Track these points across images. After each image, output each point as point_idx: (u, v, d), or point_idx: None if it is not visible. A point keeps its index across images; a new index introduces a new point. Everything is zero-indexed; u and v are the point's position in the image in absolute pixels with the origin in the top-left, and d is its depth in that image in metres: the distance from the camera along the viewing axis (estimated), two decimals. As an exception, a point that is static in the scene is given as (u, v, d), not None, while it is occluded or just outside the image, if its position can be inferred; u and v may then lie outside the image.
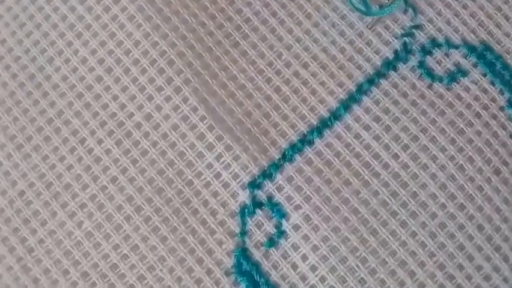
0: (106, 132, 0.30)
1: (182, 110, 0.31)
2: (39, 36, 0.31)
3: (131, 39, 0.31)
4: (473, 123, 0.30)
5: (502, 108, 0.30)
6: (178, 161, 0.30)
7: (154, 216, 0.29)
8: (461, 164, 0.29)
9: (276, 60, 0.31)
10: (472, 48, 0.31)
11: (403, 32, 0.31)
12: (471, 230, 0.28)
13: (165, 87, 0.31)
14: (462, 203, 0.28)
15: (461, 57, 0.31)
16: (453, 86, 0.31)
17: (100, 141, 0.30)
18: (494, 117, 0.30)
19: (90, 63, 0.31)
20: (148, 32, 0.31)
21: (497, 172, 0.29)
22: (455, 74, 0.31)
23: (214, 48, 0.31)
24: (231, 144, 0.30)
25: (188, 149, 0.30)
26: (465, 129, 0.30)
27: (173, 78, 0.31)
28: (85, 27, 0.31)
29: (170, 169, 0.30)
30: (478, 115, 0.30)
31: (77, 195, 0.29)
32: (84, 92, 0.31)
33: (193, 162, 0.30)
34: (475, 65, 0.31)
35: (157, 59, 0.31)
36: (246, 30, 0.31)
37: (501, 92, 0.31)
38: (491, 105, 0.30)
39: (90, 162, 0.30)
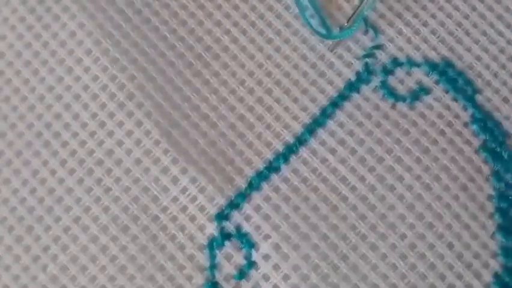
0: (66, 171, 0.27)
1: (145, 144, 0.28)
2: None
3: (89, 74, 0.28)
4: (437, 141, 0.28)
5: (466, 124, 0.28)
6: (143, 196, 0.27)
7: (120, 254, 0.26)
8: (428, 183, 0.27)
9: (239, 87, 0.28)
10: (433, 66, 0.29)
11: (364, 52, 0.29)
12: (441, 249, 0.26)
13: (125, 121, 0.28)
14: (431, 222, 0.26)
15: (423, 75, 0.29)
16: (416, 105, 0.28)
17: (60, 181, 0.27)
18: (459, 133, 0.28)
19: (48, 100, 0.28)
20: (106, 66, 0.28)
21: (464, 188, 0.27)
22: (418, 92, 0.29)
23: (175, 79, 0.28)
24: (196, 176, 0.27)
25: (153, 184, 0.27)
26: (430, 147, 0.28)
27: (134, 111, 0.28)
28: (41, 63, 0.28)
29: (135, 205, 0.27)
30: (442, 132, 0.28)
31: (40, 237, 0.26)
32: (43, 130, 0.27)
33: (158, 197, 0.27)
34: (437, 82, 0.29)
35: (116, 93, 0.28)
36: (208, 59, 0.29)
37: (464, 108, 0.28)
38: (455, 121, 0.28)
39: (52, 203, 0.27)
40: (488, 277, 0.26)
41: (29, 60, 0.28)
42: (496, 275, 0.26)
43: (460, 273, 0.26)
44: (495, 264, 0.26)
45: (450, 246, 0.26)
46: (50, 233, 0.26)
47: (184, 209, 0.27)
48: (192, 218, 0.27)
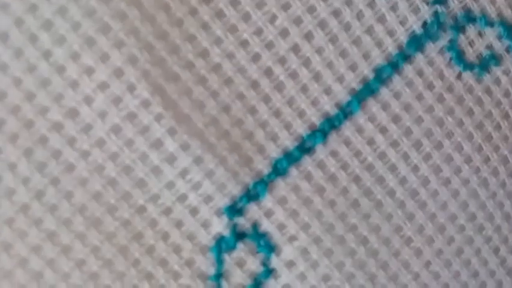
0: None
1: (127, 104, 0.15)
2: None
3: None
4: (501, 127, 0.18)
5: None
6: (123, 178, 0.15)
7: (91, 258, 0.15)
8: (485, 177, 0.18)
9: (266, 25, 0.15)
10: (507, 28, 0.18)
11: None
12: (487, 254, 0.18)
13: (97, 68, 0.15)
14: (481, 224, 0.18)
15: (495, 38, 0.18)
16: (484, 77, 0.18)
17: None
18: None
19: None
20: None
21: None
22: (488, 61, 0.18)
23: (173, 5, 0.14)
24: (201, 153, 0.15)
25: (139, 161, 0.15)
26: (493, 133, 0.18)
27: (110, 54, 0.15)
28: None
29: (111, 190, 0.15)
30: (506, 116, 0.18)
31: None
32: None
33: (146, 180, 0.14)
34: (507, 50, 0.18)
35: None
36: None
37: None
38: None
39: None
40: None
41: None
42: None
43: (500, 280, 0.18)
44: None
45: (496, 251, 0.17)
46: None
47: (182, 198, 0.15)
48: (193, 211, 0.15)
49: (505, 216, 0.17)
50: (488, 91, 0.17)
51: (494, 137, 0.17)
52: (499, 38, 0.17)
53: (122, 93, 0.14)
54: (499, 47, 0.18)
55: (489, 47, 0.17)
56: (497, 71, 0.18)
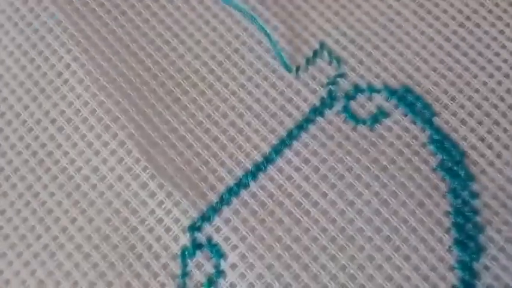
0: (57, 185, 0.23)
1: (126, 162, 0.23)
2: None
3: (80, 100, 0.24)
4: (395, 160, 0.22)
5: (424, 145, 0.22)
6: (124, 209, 0.22)
7: (101, 262, 0.21)
8: (386, 199, 0.21)
9: (213, 112, 0.23)
10: (392, 91, 0.23)
11: (328, 80, 0.23)
12: (398, 261, 0.20)
13: (110, 142, 0.23)
14: (388, 235, 0.21)
15: (383, 100, 0.23)
16: (376, 127, 0.23)
17: (51, 194, 0.22)
18: (416, 153, 0.22)
19: (44, 124, 0.23)
20: (95, 92, 0.24)
21: (421, 204, 0.21)
22: (378, 116, 0.23)
23: (156, 104, 0.23)
24: (172, 190, 0.22)
25: (133, 198, 0.22)
26: (388, 166, 0.22)
27: (118, 133, 0.23)
28: (39, 90, 0.24)
29: (116, 217, 0.22)
30: (400, 152, 0.22)
31: (31, 245, 0.22)
32: (38, 149, 0.23)
33: (137, 209, 0.22)
34: (396, 106, 0.23)
35: (103, 117, 0.23)
36: (186, 87, 0.24)
37: (423, 130, 0.22)
38: (413, 142, 0.22)
39: (43, 214, 0.22)
40: None
41: (30, 88, 0.24)
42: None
43: (417, 285, 0.20)
44: (452, 277, 0.20)
45: (407, 258, 0.20)
46: (40, 241, 0.21)
47: (160, 221, 0.22)
48: (167, 230, 0.21)
49: (411, 230, 0.21)
50: (381, 136, 0.22)
51: (389, 168, 0.22)
52: (386, 99, 0.23)
53: (124, 156, 0.22)
54: (387, 106, 0.23)
55: (378, 106, 0.23)
56: (387, 122, 0.23)
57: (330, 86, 0.23)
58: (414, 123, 0.22)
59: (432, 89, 0.23)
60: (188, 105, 0.23)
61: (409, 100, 0.23)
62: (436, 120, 0.22)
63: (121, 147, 0.22)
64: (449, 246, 0.20)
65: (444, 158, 0.22)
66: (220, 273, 0.21)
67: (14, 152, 0.23)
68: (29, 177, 0.22)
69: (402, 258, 0.20)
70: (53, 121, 0.23)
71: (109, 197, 0.22)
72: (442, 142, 0.22)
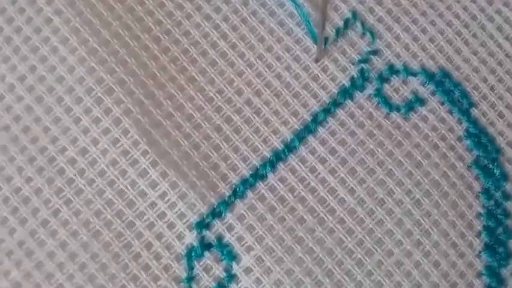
0: (35, 169, 0.18)
1: (122, 144, 0.19)
2: None
3: (65, 65, 0.19)
4: (430, 155, 0.20)
5: (459, 139, 0.20)
6: (118, 200, 0.19)
7: (90, 262, 0.18)
8: (418, 199, 0.19)
9: (226, 87, 0.20)
10: (430, 75, 0.21)
11: (360, 57, 0.20)
12: (427, 267, 0.19)
13: (103, 119, 0.19)
14: (418, 239, 0.19)
15: (419, 85, 0.21)
16: (411, 116, 0.20)
17: (28, 180, 0.18)
18: (452, 148, 0.20)
19: (18, 91, 0.19)
20: (84, 57, 0.19)
21: (454, 206, 0.19)
22: (413, 103, 0.21)
23: (158, 75, 0.19)
24: (177, 180, 0.19)
25: (129, 187, 0.19)
26: (422, 161, 0.20)
27: (112, 108, 0.19)
28: (13, 50, 0.19)
29: (108, 210, 0.19)
30: (435, 146, 0.20)
31: (3, 240, 0.18)
32: (11, 123, 0.18)
33: (134, 201, 0.19)
34: (433, 93, 0.21)
35: (94, 87, 0.19)
36: (194, 55, 0.20)
37: (459, 122, 0.20)
38: (449, 135, 0.20)
39: (17, 204, 0.18)
40: None
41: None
42: None
43: None
44: (479, 285, 0.18)
45: (436, 264, 0.19)
46: (14, 236, 0.18)
47: (162, 215, 0.18)
48: (170, 226, 0.18)
49: (442, 234, 0.19)
50: (415, 127, 0.20)
51: (424, 164, 0.20)
52: (423, 84, 0.20)
53: (119, 136, 0.19)
54: (423, 91, 0.20)
55: (414, 92, 0.20)
56: (423, 110, 0.20)
57: (362, 64, 0.20)
58: (451, 113, 0.20)
59: (471, 76, 0.21)
60: (196, 77, 0.19)
61: (447, 87, 0.21)
62: (474, 111, 0.20)
63: (116, 126, 0.19)
64: (479, 252, 0.19)
65: (480, 154, 0.20)
66: (231, 277, 0.18)
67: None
68: (-1, 157, 0.17)
69: (432, 265, 0.19)
70: (29, 88, 0.19)
71: (100, 185, 0.18)
72: (479, 137, 0.20)
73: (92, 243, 0.18)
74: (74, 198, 0.18)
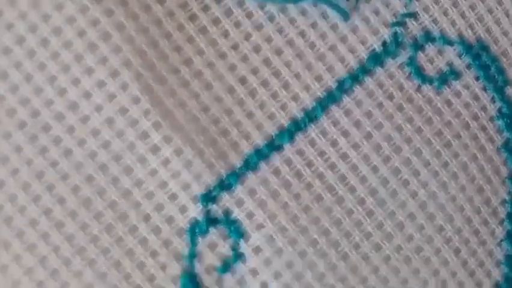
0: (15, 122, 0.16)
1: (120, 100, 0.16)
2: None
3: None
4: (461, 135, 0.19)
5: (492, 119, 0.19)
6: (113, 165, 0.16)
7: (78, 233, 0.16)
8: (444, 181, 0.18)
9: (242, 42, 0.17)
10: (468, 47, 0.19)
11: (394, 19, 0.18)
12: (447, 255, 0.18)
13: (96, 69, 0.16)
14: (441, 225, 0.18)
15: (455, 56, 0.19)
16: (443, 90, 0.19)
17: (7, 135, 0.16)
18: (484, 128, 0.19)
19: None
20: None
21: (480, 191, 0.18)
22: (447, 76, 0.19)
23: (164, 21, 0.16)
24: (182, 146, 0.16)
25: (127, 151, 0.16)
26: (452, 141, 0.18)
27: (108, 57, 0.16)
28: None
29: (102, 175, 0.16)
30: (466, 126, 0.19)
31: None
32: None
33: (132, 167, 0.16)
34: (468, 66, 0.19)
35: (87, 30, 0.16)
36: (207, 0, 0.17)
37: (492, 100, 0.19)
38: (481, 114, 0.19)
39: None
40: (488, 286, 0.18)
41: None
42: (496, 285, 0.18)
43: (462, 282, 0.18)
44: (497, 274, 0.18)
45: (457, 251, 0.18)
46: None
47: (163, 184, 0.16)
48: (172, 197, 0.16)
49: (465, 220, 0.18)
50: (448, 103, 0.18)
51: (453, 144, 0.18)
52: (459, 55, 0.19)
53: (116, 91, 0.16)
54: (459, 63, 0.19)
55: (449, 64, 0.18)
56: (457, 85, 0.19)
57: (396, 28, 0.18)
58: (485, 90, 0.19)
59: (509, 52, 0.19)
60: (208, 27, 0.17)
61: (484, 61, 0.19)
62: (508, 90, 0.18)
63: (113, 79, 0.16)
64: (500, 240, 0.18)
65: (510, 137, 0.19)
66: (239, 256, 0.17)
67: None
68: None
69: (452, 252, 0.18)
70: (9, 26, 0.15)
71: (93, 146, 0.16)
72: (511, 118, 0.19)
73: (82, 213, 0.16)
74: (61, 159, 0.16)
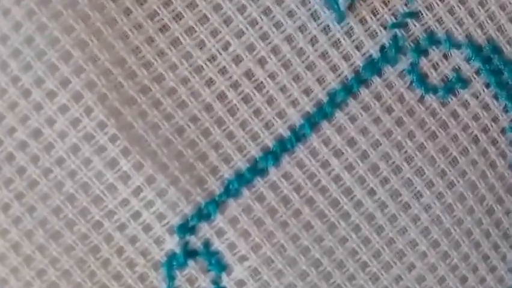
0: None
1: (85, 126, 0.15)
2: None
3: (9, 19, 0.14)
4: (468, 151, 0.17)
5: (504, 131, 0.17)
6: (81, 195, 0.15)
7: (49, 269, 0.15)
8: (450, 203, 0.16)
9: (220, 52, 0.15)
10: (477, 49, 0.17)
11: (394, 20, 0.16)
12: (452, 283, 0.16)
13: (59, 92, 0.14)
14: (446, 251, 0.16)
15: (463, 61, 0.17)
16: (449, 100, 0.17)
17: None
18: (494, 142, 0.17)
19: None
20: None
21: (490, 213, 0.17)
22: (454, 84, 0.17)
23: (130, 34, 0.15)
24: (154, 173, 0.15)
25: (95, 180, 0.15)
26: (459, 158, 0.17)
27: (71, 78, 0.14)
28: None
29: (69, 206, 0.15)
30: (475, 140, 0.17)
31: None
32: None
33: (102, 197, 0.15)
34: (477, 72, 0.17)
35: (46, 50, 0.15)
36: (179, 8, 0.16)
37: (505, 110, 0.17)
38: (491, 126, 0.17)
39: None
40: None
41: None
42: None
43: None
44: None
45: (463, 280, 0.16)
46: None
47: (136, 215, 0.15)
48: (146, 228, 0.15)
49: (473, 245, 0.17)
50: (454, 115, 0.17)
51: (460, 161, 0.17)
52: (467, 60, 0.17)
53: (80, 116, 0.15)
54: (467, 69, 0.17)
55: (456, 69, 0.17)
56: (464, 94, 0.17)
57: (395, 30, 0.16)
58: (497, 98, 0.17)
59: None
60: (180, 37, 0.15)
61: (495, 65, 0.17)
62: None
63: (76, 102, 0.15)
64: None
65: None
66: None
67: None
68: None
69: (458, 281, 0.16)
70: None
71: (59, 176, 0.15)
72: None
73: (51, 246, 0.15)
74: (26, 191, 0.15)
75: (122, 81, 0.15)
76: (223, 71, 0.15)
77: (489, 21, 0.17)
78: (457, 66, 0.16)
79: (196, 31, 0.15)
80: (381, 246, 0.16)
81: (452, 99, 0.17)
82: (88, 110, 0.15)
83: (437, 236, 0.16)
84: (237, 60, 0.15)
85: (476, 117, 0.17)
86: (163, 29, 0.15)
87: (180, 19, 0.15)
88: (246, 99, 0.15)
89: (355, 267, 0.16)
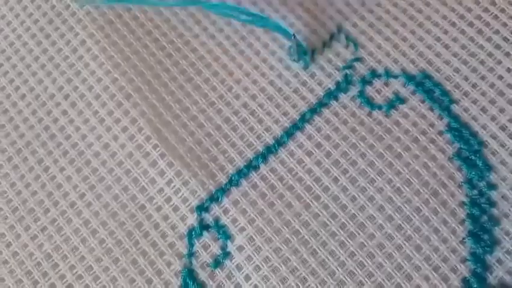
0: (67, 160, 0.23)
1: (137, 140, 0.22)
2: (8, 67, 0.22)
3: (94, 76, 0.24)
4: (410, 148, 0.21)
5: (441, 133, 0.21)
6: (132, 186, 0.22)
7: (108, 238, 0.21)
8: (398, 187, 0.20)
9: (226, 93, 0.23)
10: (410, 77, 0.22)
11: (344, 64, 0.23)
12: (409, 251, 0.20)
13: (122, 119, 0.23)
14: (400, 224, 0.20)
15: (400, 86, 0.22)
16: (392, 113, 0.22)
17: (61, 169, 0.22)
18: (433, 141, 0.21)
19: (57, 99, 0.24)
20: (109, 70, 0.24)
21: (435, 194, 0.20)
22: (394, 102, 0.22)
23: (169, 83, 0.23)
24: (181, 169, 0.21)
25: (142, 176, 0.22)
26: (402, 153, 0.21)
27: (130, 110, 0.23)
28: (54, 66, 0.24)
29: (124, 194, 0.22)
30: (415, 140, 0.21)
31: (39, 219, 0.22)
32: (50, 124, 0.23)
33: (146, 187, 0.22)
34: (413, 93, 0.22)
35: (116, 94, 0.23)
36: (200, 67, 0.23)
37: (440, 117, 0.21)
38: (429, 129, 0.21)
39: (52, 189, 0.22)
40: (456, 281, 0.19)
41: (44, 63, 0.24)
42: (465, 280, 0.19)
43: (427, 275, 0.19)
44: (464, 270, 0.19)
45: (418, 248, 0.19)
46: (48, 215, 0.21)
47: (168, 200, 0.21)
48: (175, 209, 0.21)
49: (423, 220, 0.20)
50: (396, 123, 0.21)
51: (404, 155, 0.21)
52: (404, 85, 0.22)
53: (135, 133, 0.22)
54: (403, 91, 0.22)
55: (395, 92, 0.22)
56: (404, 108, 0.22)
57: (346, 70, 0.22)
58: (432, 110, 0.21)
59: (452, 76, 0.22)
60: (201, 85, 0.23)
61: (427, 86, 0.22)
62: (455, 107, 0.21)
63: (133, 125, 0.22)
64: (463, 238, 0.19)
65: (461, 147, 0.21)
66: (226, 254, 0.20)
67: (26, 126, 0.23)
68: (40, 151, 0.23)
69: (414, 248, 0.19)
70: (66, 96, 0.23)
71: (119, 173, 0.22)
72: (460, 131, 0.21)
73: (110, 222, 0.21)
74: (96, 184, 0.22)
75: (163, 111, 0.22)
76: (228, 104, 0.22)
77: (420, 58, 0.22)
78: (395, 90, 0.22)
79: (210, 80, 0.23)
80: (346, 220, 0.20)
81: (394, 112, 0.21)
82: (139, 129, 0.22)
83: (390, 212, 0.20)
84: (238, 97, 0.23)
85: (415, 124, 0.21)
86: (190, 80, 0.23)
87: (200, 74, 0.23)
88: (244, 121, 0.22)
89: (327, 236, 0.20)
